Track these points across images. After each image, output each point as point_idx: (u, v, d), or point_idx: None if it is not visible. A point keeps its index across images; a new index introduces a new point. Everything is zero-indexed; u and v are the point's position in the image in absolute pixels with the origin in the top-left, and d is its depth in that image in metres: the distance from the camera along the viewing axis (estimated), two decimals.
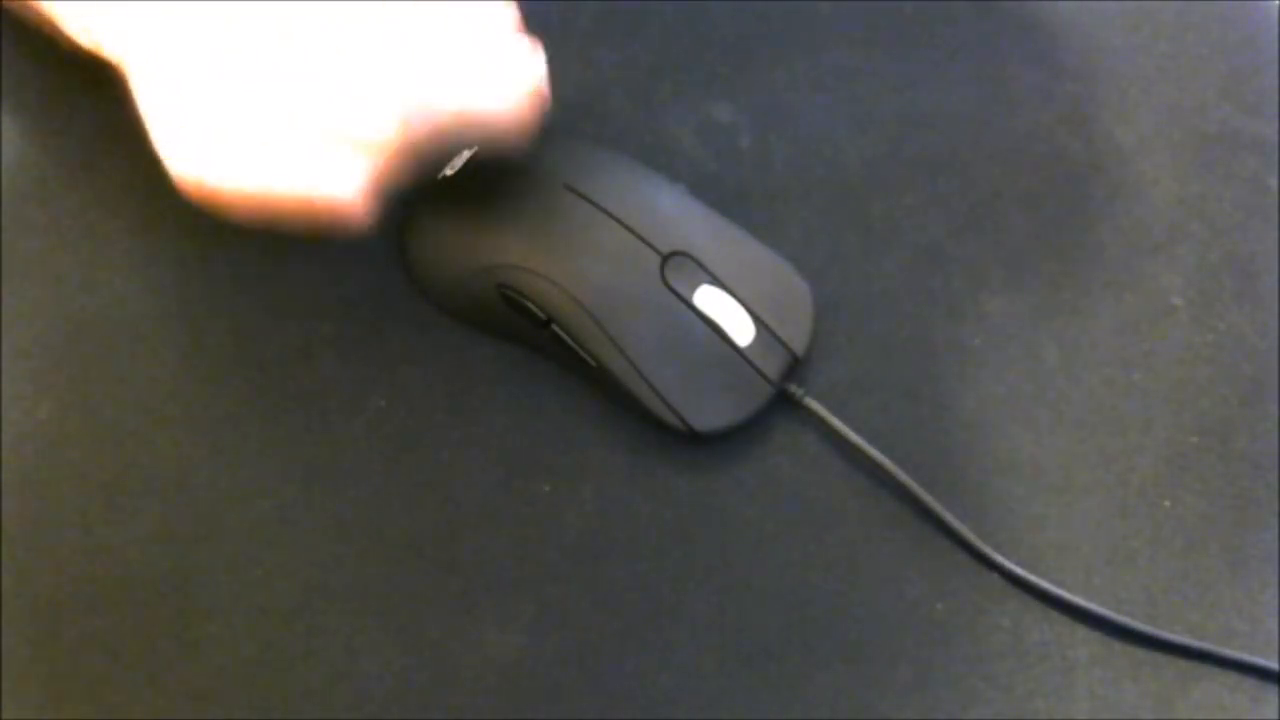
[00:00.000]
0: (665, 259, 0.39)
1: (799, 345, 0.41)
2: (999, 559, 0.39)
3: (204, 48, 0.34)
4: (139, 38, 0.35)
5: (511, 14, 0.37)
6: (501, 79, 0.36)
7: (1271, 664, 0.39)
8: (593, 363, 0.39)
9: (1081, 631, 0.39)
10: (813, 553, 0.39)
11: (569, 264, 0.39)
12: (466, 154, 0.42)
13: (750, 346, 0.40)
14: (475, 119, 0.36)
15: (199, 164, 0.35)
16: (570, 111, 0.46)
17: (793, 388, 0.41)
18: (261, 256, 0.42)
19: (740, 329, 0.40)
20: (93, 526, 0.38)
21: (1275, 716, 0.38)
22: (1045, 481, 0.41)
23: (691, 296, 0.39)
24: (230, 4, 0.34)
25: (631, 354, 0.39)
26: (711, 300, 0.39)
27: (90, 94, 0.37)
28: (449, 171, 0.42)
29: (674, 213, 0.41)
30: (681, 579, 0.39)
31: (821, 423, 0.40)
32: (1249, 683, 0.39)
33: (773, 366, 0.40)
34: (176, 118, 0.35)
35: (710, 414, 0.39)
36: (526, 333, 0.40)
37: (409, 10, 0.35)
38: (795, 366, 0.41)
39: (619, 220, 0.39)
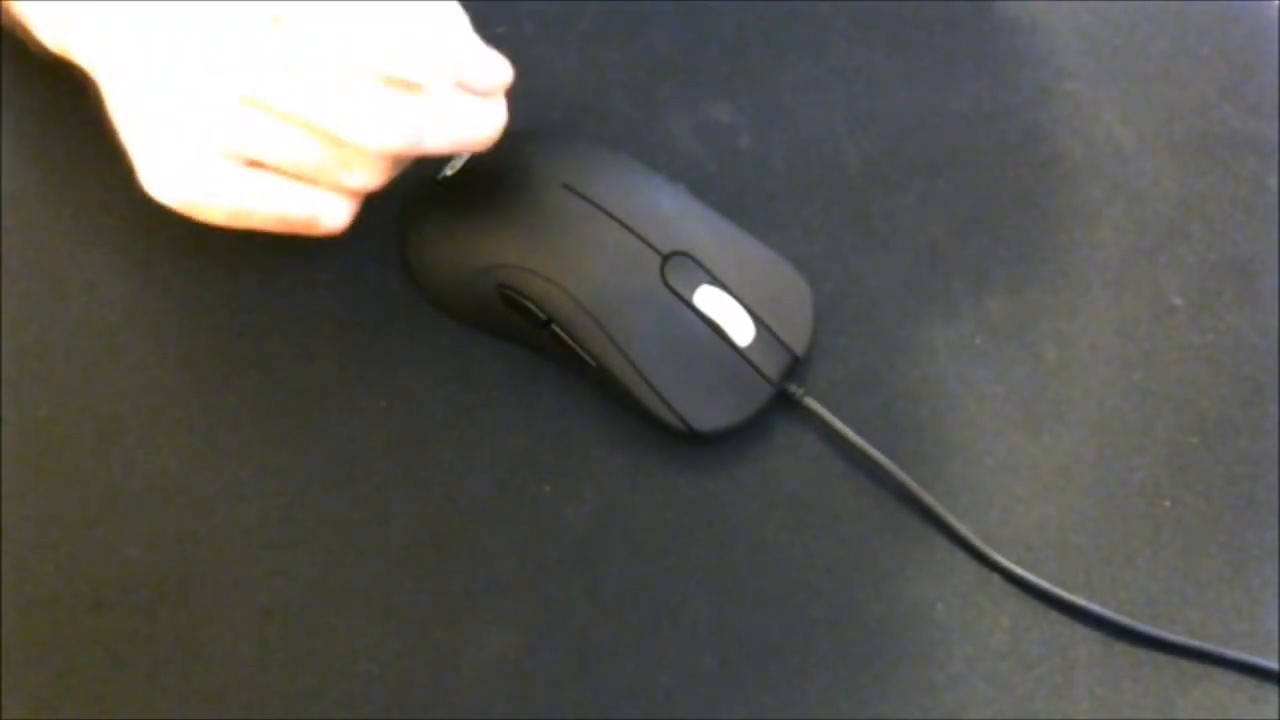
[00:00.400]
0: (665, 259, 0.39)
1: (799, 345, 0.41)
2: (999, 559, 0.39)
3: (181, 71, 0.34)
4: (110, 51, 0.35)
5: (467, 22, 0.36)
6: (480, 102, 0.36)
7: (1271, 664, 0.39)
8: (593, 363, 0.39)
9: (1081, 631, 0.39)
10: (813, 553, 0.39)
11: (569, 264, 0.39)
12: (466, 154, 0.42)
13: (750, 346, 0.40)
14: (470, 144, 0.36)
15: (178, 191, 0.35)
16: (570, 111, 0.46)
17: (793, 388, 0.41)
18: (262, 257, 0.42)
19: (740, 329, 0.40)
20: (93, 526, 0.38)
21: (1275, 717, 0.38)
22: (1045, 481, 0.41)
23: (691, 296, 0.39)
24: (204, 34, 0.34)
25: (631, 354, 0.39)
26: (711, 300, 0.39)
27: (89, 94, 0.37)
28: (449, 172, 0.42)
29: (674, 213, 0.41)
30: (681, 579, 0.39)
31: (821, 423, 0.40)
32: (1249, 683, 0.39)
33: (773, 366, 0.40)
34: (155, 144, 0.35)
35: (710, 414, 0.39)
36: (526, 333, 0.40)
37: (384, 43, 0.34)
38: (795, 366, 0.41)
39: (619, 220, 0.39)
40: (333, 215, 0.36)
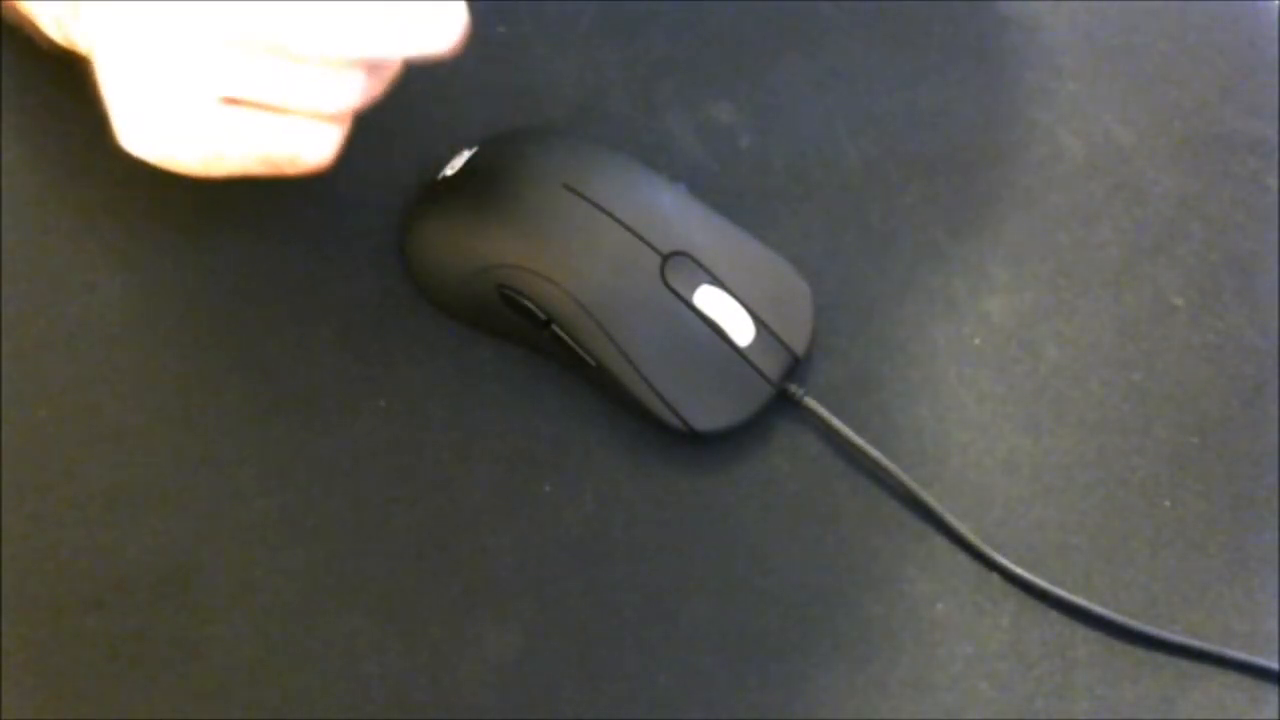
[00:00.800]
0: (665, 259, 0.39)
1: (799, 345, 0.41)
2: (999, 559, 0.39)
3: (166, 36, 0.34)
4: (107, 27, 0.35)
5: None
6: (438, 4, 0.35)
7: (1271, 664, 0.39)
8: (593, 363, 0.39)
9: (1081, 631, 0.39)
10: (813, 553, 0.39)
11: (569, 264, 0.39)
12: (467, 154, 0.42)
13: (750, 346, 0.40)
14: (429, 51, 0.35)
15: (156, 139, 0.34)
16: (570, 111, 0.46)
17: (793, 388, 0.41)
18: (262, 256, 0.42)
19: (740, 329, 0.40)
20: (93, 526, 0.38)
21: (1275, 716, 0.38)
22: (1045, 481, 0.41)
23: (691, 296, 0.39)
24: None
25: (631, 354, 0.39)
26: (711, 300, 0.39)
27: (90, 94, 0.37)
28: (449, 171, 0.42)
29: (674, 213, 0.41)
30: (681, 579, 0.39)
31: (821, 423, 0.40)
32: (1249, 683, 0.39)
33: (773, 366, 0.40)
34: (132, 94, 0.34)
35: (710, 414, 0.39)
36: (526, 333, 0.40)
37: None
38: (795, 366, 0.41)
39: (619, 220, 0.39)
40: (316, 147, 0.35)
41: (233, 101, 0.34)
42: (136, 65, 0.34)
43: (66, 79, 0.38)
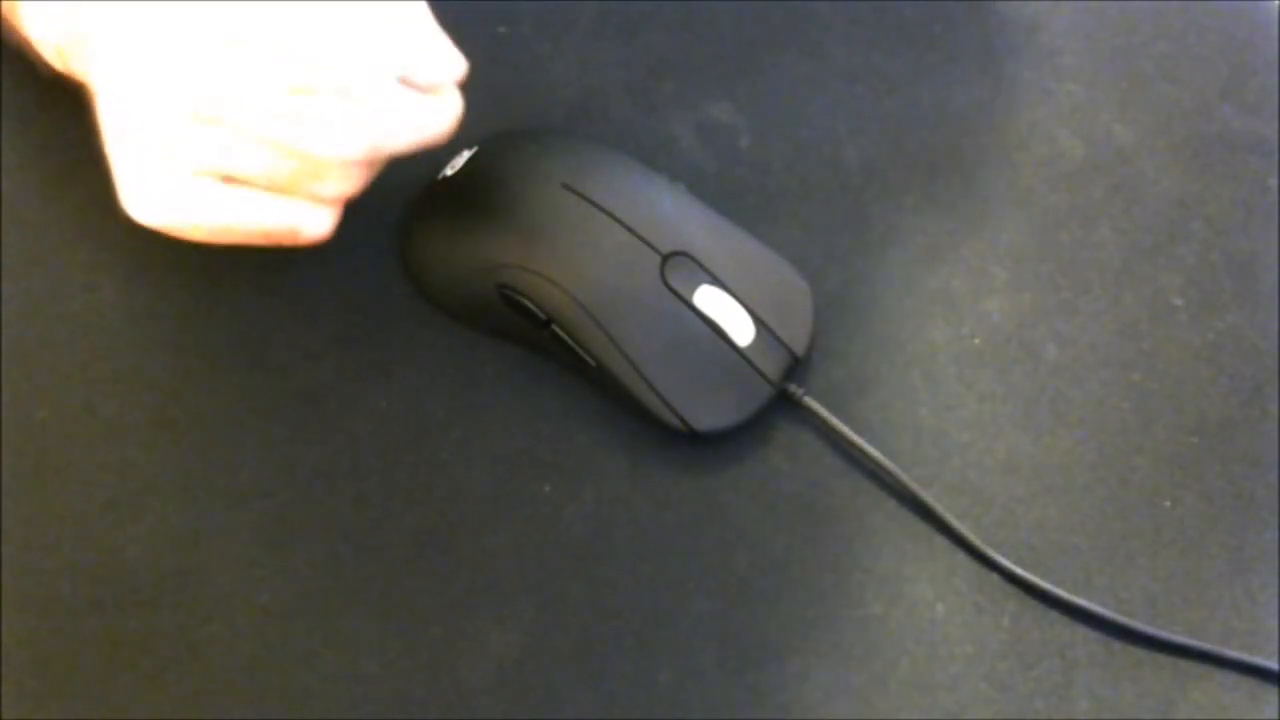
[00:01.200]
0: (665, 259, 0.39)
1: (799, 345, 0.41)
2: (999, 559, 0.39)
3: (151, 91, 0.34)
4: (97, 72, 0.35)
5: (426, 11, 0.36)
6: (433, 97, 0.36)
7: (1271, 664, 0.39)
8: (593, 363, 0.39)
9: (1081, 631, 0.39)
10: (813, 553, 0.39)
11: (569, 264, 0.39)
12: (467, 154, 0.42)
13: (750, 346, 0.40)
14: (428, 140, 0.36)
15: (159, 211, 0.35)
16: (570, 111, 0.46)
17: (793, 388, 0.41)
18: (262, 257, 0.42)
19: (740, 329, 0.40)
20: (93, 526, 0.38)
21: (1275, 716, 0.38)
22: (1045, 481, 0.41)
23: (691, 296, 0.39)
24: (168, 54, 0.34)
25: (631, 354, 0.39)
26: (711, 300, 0.39)
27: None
28: (449, 171, 0.42)
29: (674, 213, 0.41)
30: (681, 579, 0.39)
31: (821, 423, 0.40)
32: (1249, 683, 0.39)
33: (773, 366, 0.40)
34: (134, 165, 0.35)
35: (710, 414, 0.39)
36: (526, 333, 0.40)
37: (350, 50, 0.34)
38: (795, 366, 0.41)
39: (619, 220, 0.39)
40: (313, 225, 0.36)
41: (233, 180, 0.34)
42: (140, 132, 0.34)
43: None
